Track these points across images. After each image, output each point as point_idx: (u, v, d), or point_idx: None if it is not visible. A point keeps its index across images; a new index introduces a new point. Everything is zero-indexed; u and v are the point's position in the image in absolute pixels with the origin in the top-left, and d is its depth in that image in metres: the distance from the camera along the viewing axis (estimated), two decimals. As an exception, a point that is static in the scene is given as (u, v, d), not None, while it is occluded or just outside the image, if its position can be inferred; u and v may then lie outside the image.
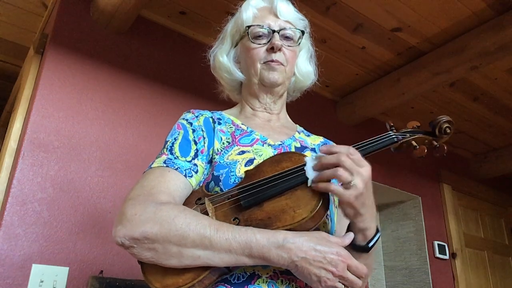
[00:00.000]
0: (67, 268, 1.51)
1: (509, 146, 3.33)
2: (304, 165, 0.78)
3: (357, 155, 0.76)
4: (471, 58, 2.07)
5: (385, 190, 2.82)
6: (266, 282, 0.76)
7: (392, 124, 0.92)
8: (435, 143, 0.92)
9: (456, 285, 2.90)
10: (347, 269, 0.71)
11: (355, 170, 0.74)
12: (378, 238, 0.81)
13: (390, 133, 0.89)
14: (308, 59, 1.10)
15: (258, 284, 0.75)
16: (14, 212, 1.48)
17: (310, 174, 0.76)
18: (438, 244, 2.89)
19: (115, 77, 1.87)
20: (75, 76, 1.76)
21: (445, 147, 0.90)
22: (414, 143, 0.91)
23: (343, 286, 0.71)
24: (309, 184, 0.76)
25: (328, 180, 0.76)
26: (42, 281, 1.45)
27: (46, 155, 1.60)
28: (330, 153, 0.76)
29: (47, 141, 1.61)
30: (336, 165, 0.74)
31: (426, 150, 0.89)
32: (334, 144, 0.96)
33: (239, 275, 0.76)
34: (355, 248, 0.79)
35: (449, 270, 2.93)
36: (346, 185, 0.73)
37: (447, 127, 0.90)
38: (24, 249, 1.46)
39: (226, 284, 0.75)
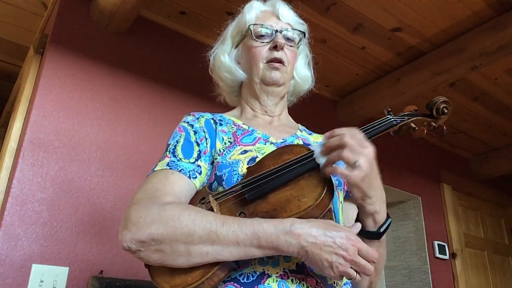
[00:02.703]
0: (67, 268, 1.51)
1: (509, 146, 3.33)
2: (306, 154, 0.78)
3: (359, 136, 0.76)
4: (471, 58, 2.07)
5: (385, 190, 2.79)
6: (276, 281, 0.75)
7: (389, 109, 0.92)
8: (433, 124, 0.92)
9: (456, 285, 2.90)
10: (358, 254, 0.70)
11: (359, 150, 0.73)
12: (389, 223, 0.80)
13: (388, 117, 0.89)
14: (306, 64, 1.11)
15: (268, 283, 0.74)
16: (14, 212, 1.48)
17: (320, 160, 0.76)
18: (438, 244, 2.89)
19: (115, 77, 1.87)
20: (75, 76, 1.76)
21: (444, 128, 0.90)
22: (413, 125, 0.91)
23: (355, 272, 0.70)
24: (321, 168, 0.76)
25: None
26: (42, 281, 1.45)
27: (46, 155, 1.60)
28: (334, 136, 0.76)
29: (47, 141, 1.61)
30: (340, 147, 0.74)
31: (425, 131, 0.89)
32: None
33: (248, 274, 0.75)
34: (366, 235, 0.78)
35: (449, 270, 2.93)
36: (351, 165, 0.73)
37: (444, 107, 0.90)
38: (24, 249, 1.46)
39: (235, 284, 0.74)
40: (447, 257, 2.92)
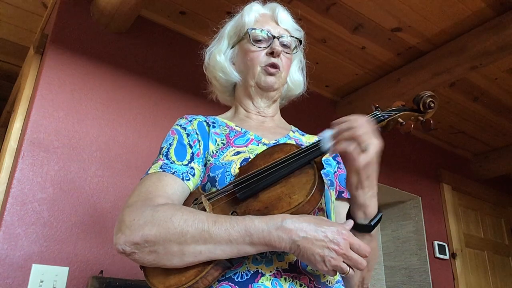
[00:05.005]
0: (67, 268, 1.51)
1: (509, 146, 3.33)
2: (296, 152, 0.79)
3: (371, 124, 0.78)
4: (471, 58, 2.07)
5: (385, 190, 2.82)
6: (270, 280, 0.75)
7: (377, 105, 0.93)
8: (421, 118, 0.92)
9: (456, 285, 2.90)
10: (350, 248, 0.70)
11: (370, 137, 0.75)
12: (380, 218, 0.81)
13: (376, 113, 0.90)
14: (299, 70, 1.12)
15: (261, 282, 0.75)
16: (14, 212, 1.48)
17: (327, 144, 0.78)
18: (438, 244, 2.89)
19: (115, 77, 1.87)
20: (75, 76, 1.76)
21: (431, 122, 0.91)
22: (400, 120, 0.91)
23: (348, 267, 0.70)
24: (328, 153, 0.78)
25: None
26: (42, 281, 1.45)
27: (46, 155, 1.60)
28: (346, 121, 0.78)
29: (47, 141, 1.61)
30: (352, 129, 0.76)
31: (412, 126, 0.90)
32: None
33: (242, 273, 0.76)
34: (357, 227, 0.79)
35: (449, 270, 2.93)
36: (360, 148, 0.75)
37: (430, 101, 0.90)
38: (24, 249, 1.46)
39: (230, 283, 0.75)
40: (447, 257, 2.92)
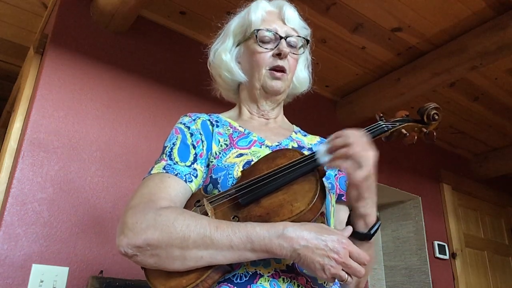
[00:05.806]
0: (67, 268, 1.51)
1: (509, 146, 3.33)
2: (299, 159, 0.79)
3: (365, 138, 0.78)
4: (471, 58, 2.07)
5: (385, 190, 2.82)
6: (268, 280, 0.76)
7: (381, 114, 0.93)
8: (424, 130, 0.93)
9: (456, 285, 2.90)
10: (349, 256, 0.71)
11: (364, 152, 0.76)
12: (379, 226, 0.82)
13: (380, 123, 0.90)
14: (305, 68, 1.11)
15: (260, 283, 0.75)
16: (14, 212, 1.48)
17: (323, 159, 0.78)
18: (438, 244, 2.89)
19: (115, 77, 1.87)
20: (75, 76, 1.76)
21: (435, 134, 0.91)
22: (404, 131, 0.92)
23: (347, 275, 0.71)
24: (324, 167, 0.79)
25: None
26: (42, 281, 1.45)
27: (46, 155, 1.60)
28: (340, 137, 0.78)
29: (47, 141, 1.61)
30: (346, 146, 0.76)
31: (416, 137, 0.90)
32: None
33: (241, 274, 0.77)
34: (357, 236, 0.80)
35: (449, 270, 2.93)
36: (356, 164, 0.75)
37: (435, 113, 0.91)
38: (24, 249, 1.46)
39: (229, 284, 0.76)
40: (447, 257, 2.92)
